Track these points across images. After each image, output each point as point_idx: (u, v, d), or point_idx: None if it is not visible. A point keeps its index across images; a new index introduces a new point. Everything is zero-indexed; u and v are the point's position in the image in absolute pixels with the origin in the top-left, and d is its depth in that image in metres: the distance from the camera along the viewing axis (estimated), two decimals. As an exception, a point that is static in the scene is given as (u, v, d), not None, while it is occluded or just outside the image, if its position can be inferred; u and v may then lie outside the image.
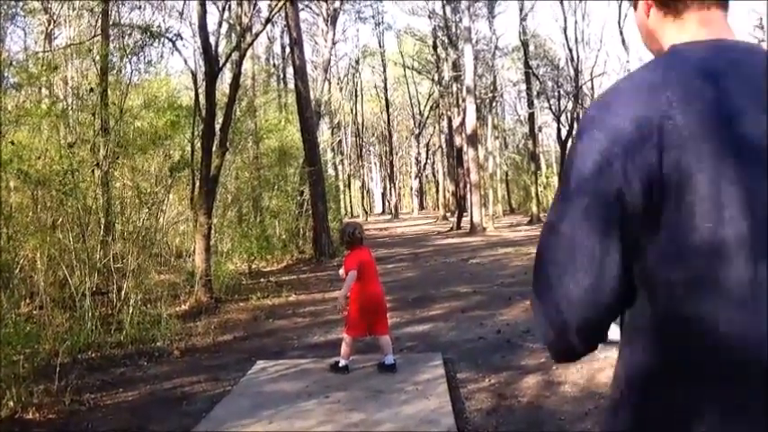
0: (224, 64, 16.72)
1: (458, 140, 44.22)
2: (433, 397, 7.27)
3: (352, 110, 70.31)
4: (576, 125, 36.56)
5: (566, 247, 1.67)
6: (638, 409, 1.67)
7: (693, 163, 1.54)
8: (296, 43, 25.35)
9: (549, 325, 1.72)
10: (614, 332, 1.84)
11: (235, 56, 16.63)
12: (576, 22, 45.05)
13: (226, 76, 22.23)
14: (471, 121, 36.22)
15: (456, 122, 45.52)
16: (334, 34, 35.68)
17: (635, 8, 1.96)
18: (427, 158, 69.69)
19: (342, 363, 8.54)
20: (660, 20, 1.86)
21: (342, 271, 8.62)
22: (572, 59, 40.39)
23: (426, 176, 77.98)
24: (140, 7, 19.91)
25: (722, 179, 1.53)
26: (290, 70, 40.24)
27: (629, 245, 1.61)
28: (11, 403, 7.35)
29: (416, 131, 64.32)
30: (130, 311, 11.65)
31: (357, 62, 66.98)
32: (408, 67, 62.20)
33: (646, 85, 1.68)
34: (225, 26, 21.65)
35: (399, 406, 7.06)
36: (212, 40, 15.61)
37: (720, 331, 1.53)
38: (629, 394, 1.70)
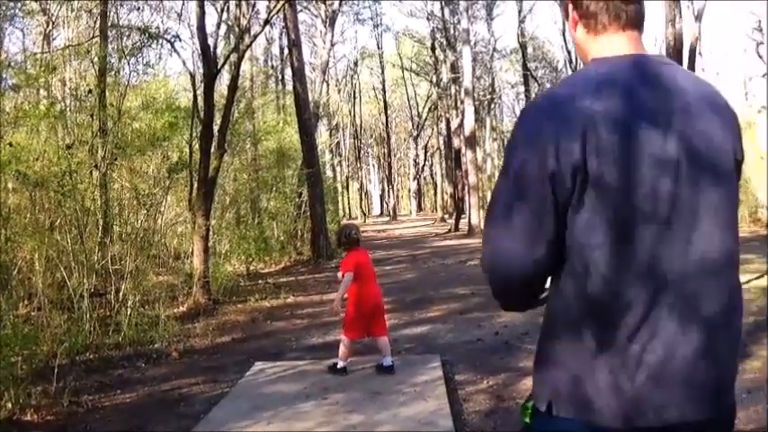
0: (222, 65, 16.72)
1: (456, 142, 44.23)
2: (431, 399, 7.27)
3: (350, 111, 70.31)
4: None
5: (508, 218, 2.14)
6: (564, 334, 2.17)
7: (609, 157, 2.01)
8: (294, 45, 25.36)
9: (500, 276, 2.24)
10: None
11: (233, 57, 16.64)
12: (575, 24, 45.20)
13: (224, 78, 22.22)
14: (470, 123, 36.22)
15: (454, 124, 45.54)
16: (332, 36, 35.72)
17: (566, 18, 2.41)
18: (425, 160, 69.70)
19: (340, 364, 8.53)
20: (585, 36, 2.31)
21: (340, 273, 8.58)
22: (570, 62, 40.45)
23: (424, 178, 78.04)
24: (139, 8, 19.89)
25: (631, 171, 2.02)
26: (288, 72, 40.24)
27: (561, 215, 2.08)
28: (9, 405, 7.35)
29: (415, 133, 64.40)
30: (128, 313, 11.64)
31: (355, 64, 67.00)
32: (407, 69, 62.22)
33: (572, 92, 2.13)
34: (223, 27, 21.65)
35: (398, 407, 7.06)
36: (211, 41, 15.63)
37: (618, 278, 2.05)
38: (559, 331, 2.20)
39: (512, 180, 2.14)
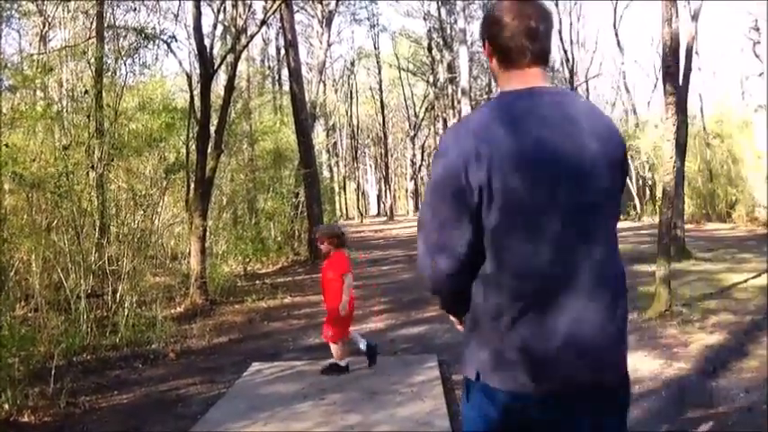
0: (219, 66, 16.70)
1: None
2: (428, 399, 7.28)
3: (347, 112, 70.27)
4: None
5: (437, 218, 2.71)
6: (481, 316, 2.71)
7: (507, 178, 2.55)
8: (291, 45, 25.32)
9: (430, 275, 2.83)
10: None
11: (230, 58, 16.63)
12: (571, 23, 45.17)
13: (220, 78, 22.23)
14: (466, 124, 36.20)
15: (452, 122, 45.51)
16: (329, 36, 35.74)
17: (484, 50, 2.95)
18: (422, 160, 69.64)
19: (342, 363, 8.59)
20: (497, 68, 2.85)
21: (349, 279, 8.47)
22: (567, 61, 40.47)
23: (421, 178, 77.86)
24: (135, 9, 19.90)
25: (527, 185, 2.56)
26: (284, 72, 40.21)
27: (475, 219, 2.61)
28: (6, 406, 7.36)
29: (412, 133, 64.30)
30: (125, 314, 11.64)
31: (352, 64, 66.95)
32: (403, 69, 62.24)
33: (482, 119, 2.70)
34: (219, 28, 21.66)
35: (395, 408, 7.07)
36: (207, 42, 15.60)
37: (524, 267, 2.61)
38: (478, 308, 2.74)
39: (432, 191, 2.75)
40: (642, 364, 8.36)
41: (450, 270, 2.73)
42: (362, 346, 8.70)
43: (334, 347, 8.61)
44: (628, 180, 36.06)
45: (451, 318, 3.12)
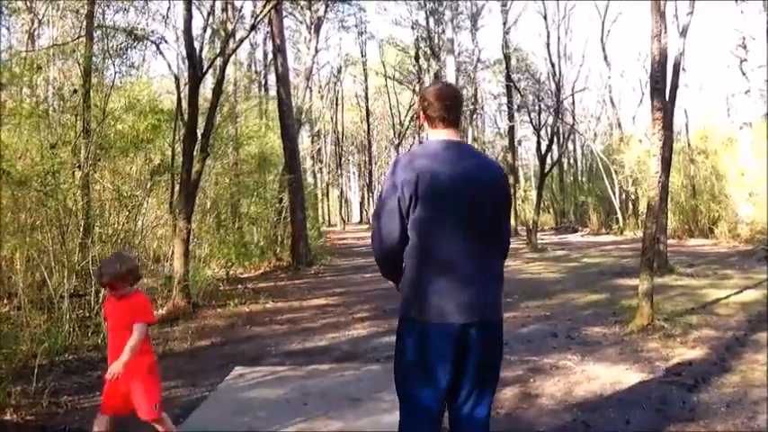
0: (208, 69, 16.68)
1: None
2: (411, 407, 7.28)
3: (332, 118, 70.33)
4: (555, 139, 36.74)
5: (384, 218, 4.33)
6: (412, 278, 4.33)
7: (425, 193, 4.20)
8: (279, 50, 25.34)
9: (378, 247, 4.45)
10: None
11: (219, 61, 16.60)
12: (558, 37, 45.29)
13: (207, 81, 22.20)
14: (452, 133, 36.27)
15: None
16: (317, 42, 35.69)
17: (420, 117, 4.70)
18: (406, 169, 69.62)
19: None
20: (427, 127, 4.58)
21: (140, 327, 5.76)
22: (554, 74, 40.52)
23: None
24: (125, 10, 19.85)
25: (434, 201, 4.22)
26: (271, 77, 40.23)
27: (406, 216, 4.25)
28: (-12, 403, 7.34)
29: (396, 141, 64.31)
30: (108, 315, 11.62)
31: (339, 71, 67.01)
32: (390, 77, 62.27)
33: (417, 155, 4.40)
34: (208, 31, 21.62)
35: (378, 415, 7.08)
36: (196, 44, 15.56)
37: (436, 247, 4.25)
38: (409, 273, 4.36)
39: (383, 198, 4.36)
40: (624, 377, 8.41)
41: (390, 244, 4.38)
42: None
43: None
44: (611, 194, 36.04)
45: (391, 282, 4.71)
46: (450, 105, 4.50)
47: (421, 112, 4.62)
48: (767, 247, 22.57)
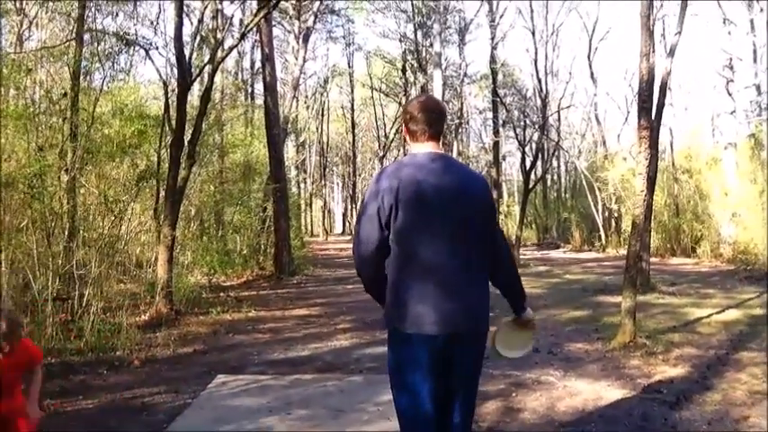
0: (197, 76, 16.69)
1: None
2: (393, 418, 7.18)
3: (317, 129, 70.32)
4: (540, 155, 36.76)
5: (364, 223, 4.35)
6: (394, 288, 4.35)
7: (407, 201, 4.23)
8: (268, 59, 25.36)
9: (357, 253, 4.46)
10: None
11: (207, 69, 16.60)
12: (546, 55, 45.41)
13: (194, 88, 22.20)
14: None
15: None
16: (305, 52, 35.74)
17: (402, 130, 4.76)
18: (390, 181, 69.68)
19: None
20: (410, 141, 4.63)
21: (39, 371, 5.50)
22: (540, 90, 40.59)
23: (388, 199, 78.07)
24: (116, 14, 19.84)
25: (416, 210, 4.26)
26: (258, 86, 40.20)
27: (386, 224, 4.27)
28: (-30, 405, 7.31)
29: (381, 154, 64.27)
30: (91, 319, 11.61)
31: (325, 81, 67.00)
32: (376, 89, 62.31)
33: (401, 166, 4.43)
34: (197, 38, 21.63)
35: (361, 426, 7.09)
36: (186, 51, 15.56)
37: (418, 257, 4.27)
38: (391, 283, 4.37)
39: (365, 203, 4.40)
40: (606, 393, 8.43)
41: (368, 250, 4.38)
42: None
43: None
44: (594, 211, 36.09)
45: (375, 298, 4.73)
46: (432, 118, 4.57)
47: (404, 126, 4.68)
48: (749, 268, 22.70)
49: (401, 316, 4.29)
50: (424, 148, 4.52)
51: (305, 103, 64.79)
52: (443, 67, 42.00)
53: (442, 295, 4.24)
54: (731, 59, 29.12)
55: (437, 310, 4.22)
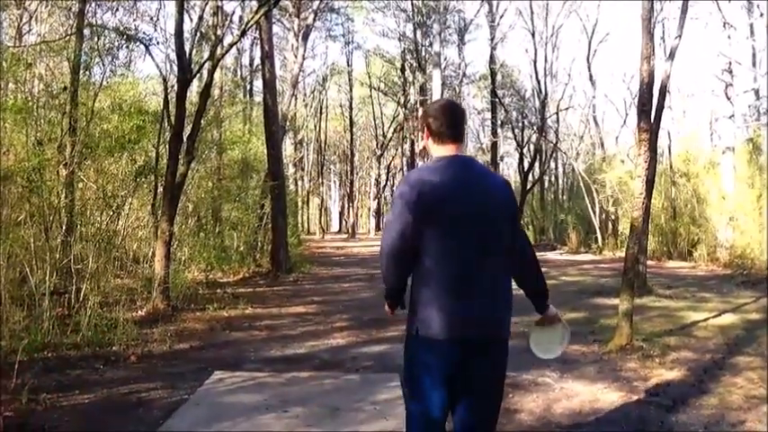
0: (197, 72, 16.69)
1: (420, 164, 44.33)
2: (391, 417, 7.28)
3: (315, 127, 70.36)
4: (537, 156, 36.76)
5: (392, 229, 4.30)
6: (418, 294, 4.30)
7: (436, 209, 4.19)
8: (267, 57, 25.32)
9: (384, 263, 4.44)
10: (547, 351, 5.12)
11: (207, 65, 16.59)
12: (546, 56, 45.43)
13: (193, 85, 22.18)
14: (435, 146, 36.36)
15: (419, 146, 45.61)
16: (304, 50, 35.75)
17: (422, 135, 4.72)
18: (387, 180, 69.71)
19: None
20: (432, 144, 4.57)
21: None
22: (539, 92, 40.63)
23: (385, 198, 77.95)
24: (116, 9, 19.83)
25: (444, 217, 4.22)
26: (257, 83, 40.20)
27: (416, 232, 4.21)
28: (-33, 399, 7.30)
29: (378, 152, 64.34)
30: (88, 314, 11.55)
31: (324, 80, 67.01)
32: (375, 88, 62.34)
33: (423, 175, 4.36)
34: (197, 35, 21.61)
35: (357, 425, 7.08)
36: (186, 47, 15.54)
37: (442, 263, 4.22)
38: (415, 290, 4.33)
39: (396, 212, 4.31)
40: (602, 396, 8.43)
41: (395, 261, 4.40)
42: None
43: None
44: (591, 213, 36.05)
45: (387, 305, 4.79)
46: (455, 122, 4.54)
47: (425, 129, 4.62)
48: (746, 272, 22.72)
49: (420, 320, 4.27)
50: (447, 152, 4.48)
51: (304, 101, 64.86)
52: (442, 66, 42.05)
53: (465, 301, 4.23)
54: (730, 63, 29.10)
55: (453, 315, 4.20)
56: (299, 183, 65.53)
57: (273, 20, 31.00)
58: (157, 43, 26.99)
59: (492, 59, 44.31)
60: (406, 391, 4.66)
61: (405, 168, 60.13)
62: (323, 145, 73.32)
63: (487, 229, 4.33)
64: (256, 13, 17.60)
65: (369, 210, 74.40)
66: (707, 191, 31.53)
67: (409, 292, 4.45)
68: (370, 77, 61.76)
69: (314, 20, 37.40)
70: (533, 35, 43.11)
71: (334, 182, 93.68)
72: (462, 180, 4.34)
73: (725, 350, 11.09)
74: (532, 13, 43.28)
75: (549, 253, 38.82)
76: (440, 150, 4.50)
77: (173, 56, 18.28)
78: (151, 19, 23.67)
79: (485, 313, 4.29)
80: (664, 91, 17.19)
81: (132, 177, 17.29)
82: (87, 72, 16.93)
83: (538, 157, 38.05)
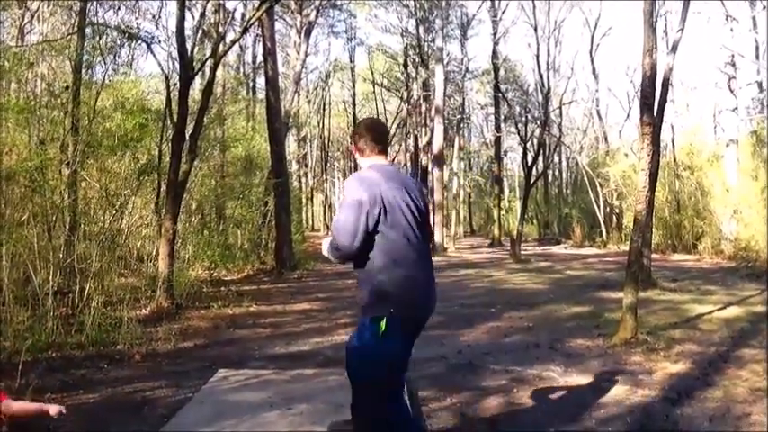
0: (199, 69, 16.68)
1: (423, 159, 44.31)
2: (395, 414, 7.27)
3: (319, 123, 70.27)
4: (541, 151, 36.75)
5: (347, 222, 5.07)
6: (381, 282, 5.16)
7: (389, 205, 5.12)
8: (269, 54, 25.30)
9: (339, 247, 5.23)
10: None
11: (209, 63, 16.58)
12: (548, 51, 45.34)
13: (195, 83, 22.17)
14: (439, 142, 36.43)
15: (423, 142, 45.66)
16: (306, 47, 35.71)
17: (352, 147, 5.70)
18: (391, 176, 69.63)
19: None
20: (359, 155, 5.58)
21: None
22: (542, 86, 40.58)
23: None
24: (117, 8, 19.84)
25: (396, 213, 5.16)
26: (260, 80, 40.16)
27: (373, 226, 5.09)
28: (-29, 398, 7.29)
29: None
30: (92, 313, 11.55)
31: (327, 76, 66.90)
32: (378, 84, 62.27)
33: (373, 177, 5.23)
34: (199, 32, 21.60)
35: (362, 421, 7.06)
36: (188, 45, 15.54)
37: (401, 253, 5.19)
38: (375, 276, 5.16)
39: (347, 206, 5.06)
40: (607, 390, 8.41)
41: (351, 246, 5.10)
42: None
43: None
44: (595, 207, 36.02)
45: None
46: (380, 138, 5.61)
47: (354, 145, 5.66)
48: (750, 264, 22.69)
49: (387, 302, 5.13)
50: (378, 161, 5.52)
51: (306, 97, 64.84)
52: (445, 62, 41.92)
53: (421, 282, 5.35)
54: (733, 56, 29.08)
55: (418, 296, 5.33)
56: (303, 179, 65.48)
57: (275, 17, 30.99)
58: (159, 41, 26.94)
59: (495, 54, 44.29)
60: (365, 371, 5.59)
61: (408, 165, 60.02)
62: (326, 141, 73.19)
63: (421, 220, 5.38)
64: (258, 9, 17.58)
65: (372, 206, 74.23)
66: (711, 184, 31.52)
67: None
68: (372, 73, 61.62)
69: (316, 16, 37.38)
70: (536, 30, 43.15)
71: (338, 178, 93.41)
72: (402, 181, 5.41)
73: (729, 343, 11.09)
74: (535, 7, 43.43)
75: (554, 247, 38.85)
76: (368, 161, 5.54)
77: (175, 54, 18.30)
78: (153, 17, 23.67)
79: (434, 292, 5.54)
80: (666, 84, 17.18)
81: (135, 176, 17.31)
82: (89, 71, 16.99)
83: (541, 151, 37.95)
